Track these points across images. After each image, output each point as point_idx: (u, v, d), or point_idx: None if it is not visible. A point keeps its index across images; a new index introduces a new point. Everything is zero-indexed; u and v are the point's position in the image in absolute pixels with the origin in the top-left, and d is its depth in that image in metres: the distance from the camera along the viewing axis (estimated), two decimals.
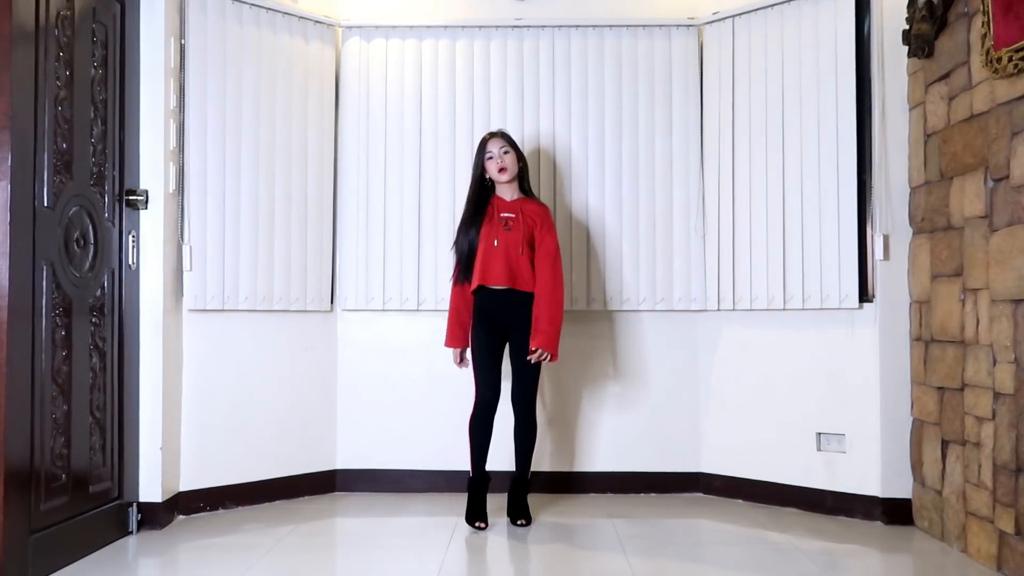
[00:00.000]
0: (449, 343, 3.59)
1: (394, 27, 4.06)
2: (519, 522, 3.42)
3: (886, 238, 3.46)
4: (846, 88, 3.54)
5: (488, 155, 3.51)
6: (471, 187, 3.57)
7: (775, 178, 3.73)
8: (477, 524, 3.38)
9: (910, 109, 3.44)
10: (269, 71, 3.82)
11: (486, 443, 3.45)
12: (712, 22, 3.95)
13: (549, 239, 3.47)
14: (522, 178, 3.58)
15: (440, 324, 3.71)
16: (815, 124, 3.62)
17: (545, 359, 3.40)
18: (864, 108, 3.52)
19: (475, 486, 3.45)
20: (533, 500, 3.80)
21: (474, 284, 3.46)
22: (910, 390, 3.43)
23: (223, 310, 3.66)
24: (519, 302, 3.44)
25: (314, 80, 3.97)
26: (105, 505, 3.11)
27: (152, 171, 3.38)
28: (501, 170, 3.48)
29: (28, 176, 2.66)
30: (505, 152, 3.49)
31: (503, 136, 3.54)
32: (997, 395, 2.80)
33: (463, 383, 3.54)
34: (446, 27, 4.05)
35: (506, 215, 3.48)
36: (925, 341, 3.31)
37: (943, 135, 3.18)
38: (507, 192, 3.54)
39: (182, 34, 3.54)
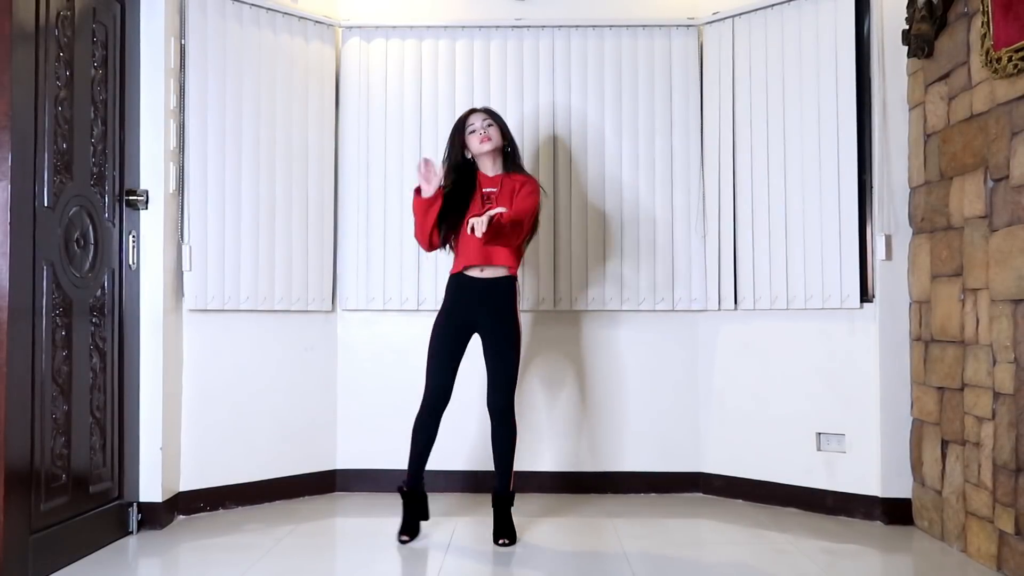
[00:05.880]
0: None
1: (394, 27, 4.06)
2: (500, 541, 3.14)
3: (887, 238, 3.46)
4: (846, 88, 3.54)
5: (471, 128, 3.24)
6: (446, 175, 3.21)
7: (775, 178, 3.73)
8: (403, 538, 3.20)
9: (910, 109, 3.44)
10: (269, 71, 3.82)
11: (428, 448, 3.22)
12: (712, 22, 3.95)
13: (531, 196, 3.17)
14: (509, 157, 3.29)
15: None
16: (815, 124, 3.62)
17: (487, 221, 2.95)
18: (864, 108, 3.52)
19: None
20: (533, 499, 3.80)
21: (454, 268, 3.24)
22: (910, 390, 3.43)
23: (223, 310, 3.66)
24: (490, 288, 3.18)
25: (314, 80, 3.97)
26: (105, 505, 3.11)
27: (152, 171, 3.38)
28: (484, 140, 3.20)
29: (28, 176, 2.66)
30: (489, 125, 3.23)
31: (485, 110, 3.29)
32: (997, 395, 2.80)
33: (463, 383, 3.51)
34: (446, 27, 4.05)
35: (488, 190, 3.23)
36: (925, 341, 3.31)
37: (943, 135, 3.18)
38: (489, 167, 3.27)
39: (182, 34, 3.54)
